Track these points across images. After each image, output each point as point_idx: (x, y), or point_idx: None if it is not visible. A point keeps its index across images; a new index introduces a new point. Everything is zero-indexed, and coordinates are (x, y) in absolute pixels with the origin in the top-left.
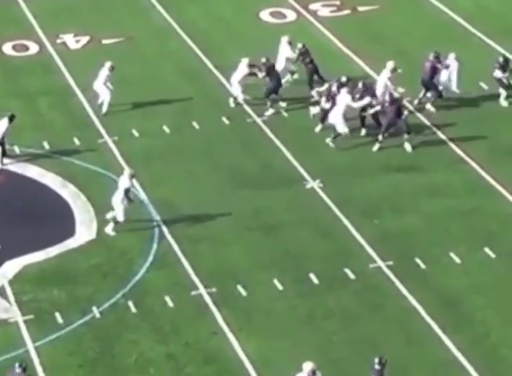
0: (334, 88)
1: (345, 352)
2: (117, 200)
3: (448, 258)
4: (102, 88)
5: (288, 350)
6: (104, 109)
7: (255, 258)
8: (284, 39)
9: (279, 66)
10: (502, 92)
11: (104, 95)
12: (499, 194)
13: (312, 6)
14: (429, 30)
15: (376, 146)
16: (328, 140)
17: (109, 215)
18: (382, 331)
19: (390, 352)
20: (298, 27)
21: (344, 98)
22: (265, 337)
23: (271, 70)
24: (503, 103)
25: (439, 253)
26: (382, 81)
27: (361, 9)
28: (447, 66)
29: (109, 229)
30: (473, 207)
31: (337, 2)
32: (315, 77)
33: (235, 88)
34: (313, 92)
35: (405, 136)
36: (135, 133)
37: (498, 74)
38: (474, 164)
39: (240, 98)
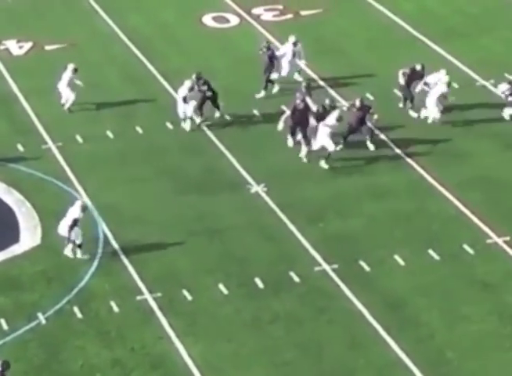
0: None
1: (290, 356)
2: (64, 229)
3: (392, 260)
4: (65, 89)
5: (233, 354)
6: (67, 105)
7: (200, 263)
8: (291, 39)
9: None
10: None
11: (68, 95)
12: (442, 196)
13: (255, 11)
14: (372, 34)
15: (338, 147)
16: (322, 163)
17: (67, 250)
18: (327, 334)
19: (335, 355)
20: (241, 32)
21: (331, 120)
22: (210, 341)
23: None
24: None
25: (383, 255)
26: None
27: (303, 13)
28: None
29: (68, 251)
30: (416, 209)
31: (280, 7)
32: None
33: (185, 106)
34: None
35: (368, 138)
36: (79, 139)
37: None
38: (416, 166)
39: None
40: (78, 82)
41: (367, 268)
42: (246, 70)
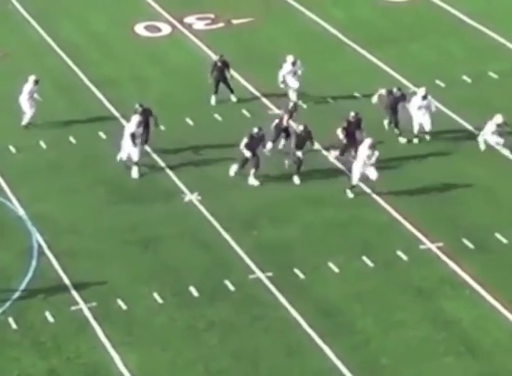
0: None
1: (226, 363)
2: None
3: (327, 267)
4: (25, 102)
5: (169, 363)
6: (24, 121)
7: (134, 272)
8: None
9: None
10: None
11: (26, 109)
12: (375, 203)
13: (187, 19)
14: (302, 41)
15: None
16: (348, 191)
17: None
18: (263, 342)
19: (271, 364)
20: (173, 41)
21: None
22: (145, 350)
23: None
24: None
25: (318, 263)
26: None
27: (235, 21)
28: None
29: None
30: (350, 217)
31: (212, 15)
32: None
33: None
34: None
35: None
36: (12, 149)
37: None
38: (349, 174)
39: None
40: (36, 96)
41: (302, 275)
42: (179, 79)
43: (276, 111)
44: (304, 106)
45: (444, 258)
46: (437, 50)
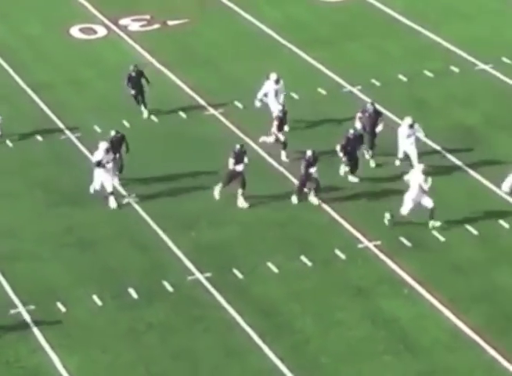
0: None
1: (166, 365)
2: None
3: (266, 267)
4: None
5: (109, 365)
6: None
7: (73, 275)
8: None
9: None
10: None
11: None
12: (315, 203)
13: (122, 21)
14: (238, 42)
15: None
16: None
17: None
18: (202, 343)
19: (211, 364)
20: (109, 43)
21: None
22: (85, 352)
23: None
24: None
25: (256, 263)
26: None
27: (171, 23)
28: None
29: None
30: (288, 217)
31: (147, 17)
32: None
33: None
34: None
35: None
36: None
37: None
38: (287, 174)
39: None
40: None
41: (240, 276)
42: (115, 82)
43: (268, 140)
44: (241, 106)
45: (382, 256)
46: (372, 50)
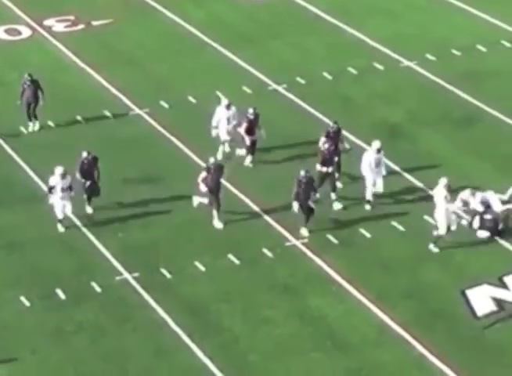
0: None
1: (95, 366)
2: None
3: (194, 266)
4: None
5: (38, 366)
6: None
7: (0, 276)
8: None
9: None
10: None
11: None
12: (240, 201)
13: (47, 22)
14: (163, 41)
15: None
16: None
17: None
18: (131, 344)
19: (140, 364)
20: (34, 44)
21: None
22: (14, 354)
23: None
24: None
25: (184, 262)
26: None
27: (95, 23)
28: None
29: None
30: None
31: (72, 17)
32: None
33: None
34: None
35: None
36: None
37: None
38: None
39: None
40: None
41: (168, 275)
42: (40, 82)
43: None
44: (166, 105)
45: (309, 253)
46: (296, 48)
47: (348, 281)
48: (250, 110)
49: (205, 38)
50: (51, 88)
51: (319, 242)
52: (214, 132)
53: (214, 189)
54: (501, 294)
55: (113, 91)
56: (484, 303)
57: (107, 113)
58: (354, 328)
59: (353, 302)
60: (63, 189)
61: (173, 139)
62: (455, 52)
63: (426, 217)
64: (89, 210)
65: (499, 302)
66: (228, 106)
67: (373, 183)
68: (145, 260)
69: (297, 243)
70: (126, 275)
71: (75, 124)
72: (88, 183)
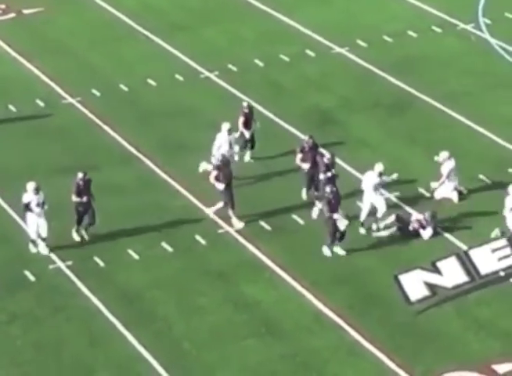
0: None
1: (30, 355)
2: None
3: (127, 254)
4: None
5: None
6: None
7: None
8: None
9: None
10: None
11: None
12: (173, 188)
13: None
14: (94, 30)
15: None
16: None
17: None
18: (65, 332)
19: (74, 353)
20: None
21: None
22: None
23: None
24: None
25: (117, 250)
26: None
27: (26, 11)
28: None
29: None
30: (147, 204)
31: (2, 6)
32: None
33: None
34: None
35: None
36: None
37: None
38: (146, 161)
39: None
40: None
41: (102, 264)
42: None
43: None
44: (98, 94)
45: (242, 240)
46: (228, 35)
47: (282, 268)
48: (245, 104)
49: (136, 26)
50: None
51: (253, 229)
52: (203, 166)
53: (229, 184)
54: (434, 278)
55: (45, 79)
56: (417, 288)
57: (40, 103)
58: (288, 315)
59: (287, 289)
60: (38, 205)
61: (105, 127)
62: (386, 38)
63: (358, 203)
64: (77, 238)
65: (431, 287)
66: (229, 131)
67: (370, 206)
68: (78, 248)
69: (230, 230)
70: (59, 263)
71: (7, 114)
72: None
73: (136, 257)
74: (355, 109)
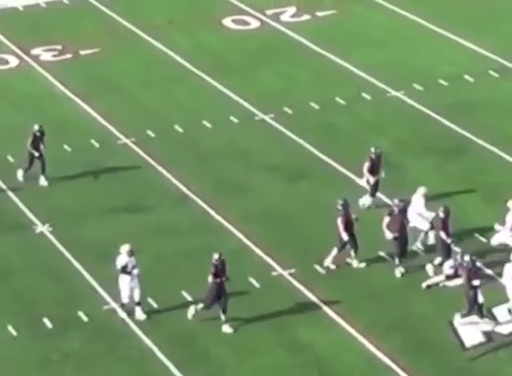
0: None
1: None
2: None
3: (180, 296)
4: None
5: None
6: None
7: None
8: None
9: None
10: None
11: None
12: (225, 230)
13: (34, 51)
14: (150, 70)
15: None
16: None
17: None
18: (118, 373)
19: None
20: (21, 73)
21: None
22: None
23: None
24: None
25: (170, 292)
26: None
27: (82, 52)
28: None
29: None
30: (201, 245)
31: (59, 47)
32: None
33: None
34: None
35: None
36: None
37: None
38: (200, 202)
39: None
40: None
41: (155, 305)
42: (26, 112)
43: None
44: (153, 135)
45: (296, 283)
46: (283, 77)
47: (336, 312)
48: (372, 150)
49: (191, 67)
50: (39, 118)
51: (306, 272)
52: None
53: (401, 234)
54: (490, 325)
55: (101, 120)
56: (473, 334)
57: (95, 143)
58: (341, 358)
59: (341, 333)
60: (133, 268)
61: (159, 168)
62: (442, 82)
63: (414, 247)
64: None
65: (487, 333)
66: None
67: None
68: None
69: (284, 273)
70: (113, 304)
71: (63, 154)
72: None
73: (189, 299)
74: (410, 152)
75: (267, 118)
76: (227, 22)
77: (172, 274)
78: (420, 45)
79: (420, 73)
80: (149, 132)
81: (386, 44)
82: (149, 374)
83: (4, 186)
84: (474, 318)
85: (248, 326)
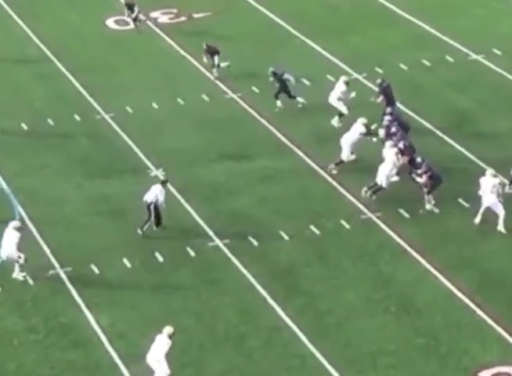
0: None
1: (187, 321)
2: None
3: (278, 235)
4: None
5: (137, 319)
6: None
7: (106, 240)
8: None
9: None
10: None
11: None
12: (321, 178)
13: (153, 14)
14: (255, 33)
15: None
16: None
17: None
18: (220, 303)
19: (228, 322)
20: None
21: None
22: (116, 309)
23: None
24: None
25: (270, 232)
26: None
27: (196, 15)
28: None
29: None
30: (299, 190)
31: (175, 10)
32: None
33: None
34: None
35: None
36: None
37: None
38: (298, 151)
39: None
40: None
41: (255, 243)
42: (144, 67)
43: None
44: (257, 90)
45: (382, 226)
46: (375, 40)
47: (418, 251)
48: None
49: (293, 30)
50: (155, 73)
51: (392, 216)
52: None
53: None
54: None
55: (210, 76)
56: None
57: (205, 97)
58: (422, 293)
59: (422, 270)
60: None
61: (261, 119)
62: None
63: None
64: None
65: None
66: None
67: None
68: (234, 228)
69: (372, 216)
70: (217, 241)
71: (176, 106)
72: None
73: (286, 238)
74: (488, 110)
75: (360, 77)
76: None
77: (271, 215)
78: (501, 13)
79: (498, 39)
80: (254, 88)
81: (469, 11)
82: (247, 305)
83: (123, 135)
84: None
85: (338, 262)
